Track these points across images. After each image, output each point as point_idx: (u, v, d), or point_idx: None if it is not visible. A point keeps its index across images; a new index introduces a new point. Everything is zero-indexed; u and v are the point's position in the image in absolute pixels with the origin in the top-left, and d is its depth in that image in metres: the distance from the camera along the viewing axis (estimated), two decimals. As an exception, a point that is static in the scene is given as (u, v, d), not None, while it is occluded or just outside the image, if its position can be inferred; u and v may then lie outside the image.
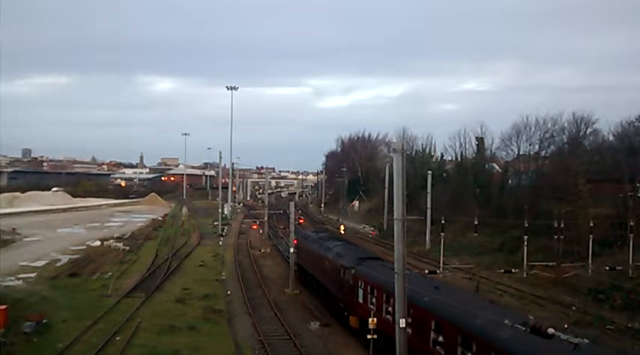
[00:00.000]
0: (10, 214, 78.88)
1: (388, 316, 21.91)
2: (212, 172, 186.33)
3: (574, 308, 31.73)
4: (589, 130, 59.22)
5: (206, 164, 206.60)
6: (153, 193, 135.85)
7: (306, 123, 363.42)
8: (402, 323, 17.88)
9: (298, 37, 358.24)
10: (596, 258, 37.64)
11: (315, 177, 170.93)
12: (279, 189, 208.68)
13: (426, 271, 36.18)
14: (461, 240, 52.35)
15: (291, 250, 39.58)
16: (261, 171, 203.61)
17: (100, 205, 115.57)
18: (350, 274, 27.20)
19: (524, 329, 14.68)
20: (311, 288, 37.24)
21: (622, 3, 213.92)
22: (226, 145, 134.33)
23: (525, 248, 40.36)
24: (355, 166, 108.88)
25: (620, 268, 34.93)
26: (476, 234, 48.15)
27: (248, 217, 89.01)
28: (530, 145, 60.64)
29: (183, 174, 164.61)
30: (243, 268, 45.76)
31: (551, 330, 14.03)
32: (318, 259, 34.25)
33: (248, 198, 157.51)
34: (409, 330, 18.23)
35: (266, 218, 72.16)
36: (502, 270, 38.49)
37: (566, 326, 15.62)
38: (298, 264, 40.10)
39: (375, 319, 21.87)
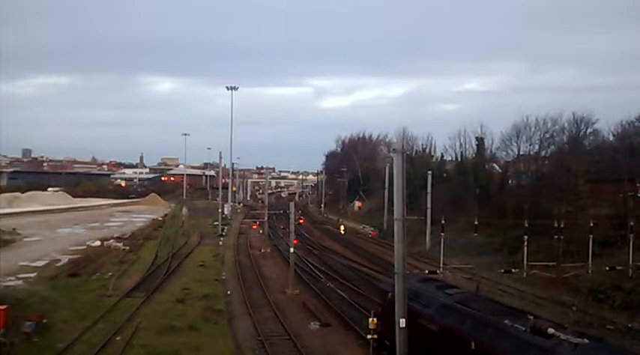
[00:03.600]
0: (10, 214, 78.91)
1: None
2: (212, 172, 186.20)
3: (574, 308, 31.68)
4: (589, 130, 59.30)
5: (206, 164, 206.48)
6: (153, 193, 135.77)
7: (307, 123, 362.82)
8: (402, 323, 17.91)
9: (299, 36, 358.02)
10: (596, 258, 37.57)
11: (315, 177, 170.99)
12: (279, 189, 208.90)
13: (426, 271, 36.20)
14: (461, 241, 52.26)
15: (291, 250, 39.56)
16: (261, 171, 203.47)
17: (100, 205, 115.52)
18: None
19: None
20: None
21: (623, 3, 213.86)
22: (226, 145, 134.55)
23: (525, 248, 40.24)
24: (355, 166, 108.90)
25: (620, 268, 34.85)
26: (476, 234, 48.06)
27: (248, 217, 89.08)
28: (530, 145, 60.58)
29: (183, 174, 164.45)
30: (243, 268, 45.75)
31: (551, 330, 14.04)
32: None
33: (248, 198, 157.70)
34: None
35: (266, 218, 72.21)
36: (502, 270, 38.38)
37: (566, 326, 15.60)
38: (383, 339, 22.14)
39: (375, 319, 21.40)
